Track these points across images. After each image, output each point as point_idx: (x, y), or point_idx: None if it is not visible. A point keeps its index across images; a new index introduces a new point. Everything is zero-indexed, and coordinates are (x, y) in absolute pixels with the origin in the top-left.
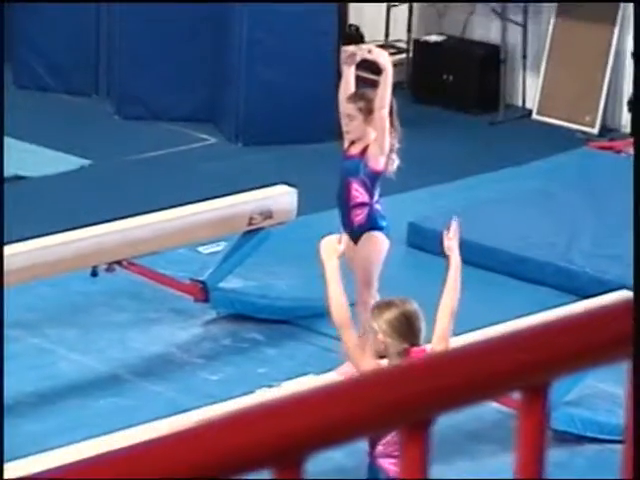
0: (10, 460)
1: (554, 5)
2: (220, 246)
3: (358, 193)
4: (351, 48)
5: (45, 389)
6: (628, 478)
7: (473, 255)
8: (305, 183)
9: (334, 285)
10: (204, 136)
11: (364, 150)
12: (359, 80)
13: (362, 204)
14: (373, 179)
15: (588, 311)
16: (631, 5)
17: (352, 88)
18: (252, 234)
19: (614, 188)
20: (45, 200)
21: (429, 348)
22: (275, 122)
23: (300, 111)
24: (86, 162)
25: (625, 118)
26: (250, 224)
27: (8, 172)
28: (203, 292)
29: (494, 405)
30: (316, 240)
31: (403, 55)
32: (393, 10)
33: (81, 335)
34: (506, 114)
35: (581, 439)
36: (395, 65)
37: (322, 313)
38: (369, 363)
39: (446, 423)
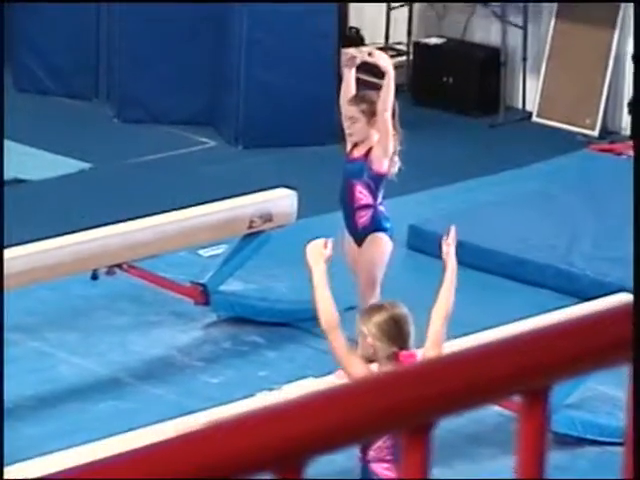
0: (10, 464)
1: (554, 7)
2: (220, 249)
3: (362, 195)
4: (351, 50)
5: (45, 393)
6: None
7: (473, 257)
8: (305, 186)
9: (321, 290)
10: (204, 139)
11: (368, 152)
12: (360, 83)
13: (366, 206)
14: (377, 181)
15: (588, 315)
16: (631, 8)
17: (353, 90)
18: (252, 237)
19: (614, 190)
20: (45, 203)
21: (420, 352)
22: (275, 125)
23: (300, 114)
24: (86, 165)
25: (625, 120)
26: (250, 227)
27: (8, 175)
28: (203, 295)
29: (494, 408)
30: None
31: (403, 58)
32: (393, 12)
33: (81, 338)
34: (506, 116)
35: (582, 442)
36: (395, 68)
37: None
38: (359, 367)
39: (446, 426)
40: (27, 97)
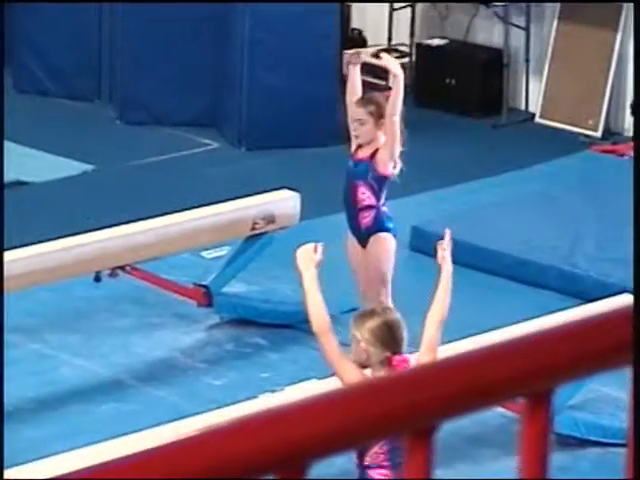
0: (11, 466)
1: (557, 9)
2: (223, 251)
3: (365, 196)
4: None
5: (46, 395)
6: None
7: (476, 258)
8: (308, 187)
9: (312, 294)
10: (207, 141)
11: (373, 154)
12: (363, 84)
13: (369, 207)
14: (380, 183)
15: (591, 317)
16: (632, 8)
17: (359, 88)
18: (255, 239)
19: (617, 191)
20: (47, 205)
21: (414, 357)
22: (278, 126)
23: (303, 115)
24: (88, 167)
25: (628, 121)
26: (253, 229)
27: (9, 177)
28: (206, 297)
29: (497, 409)
30: (320, 244)
31: (406, 59)
32: (396, 14)
33: (84, 340)
34: (509, 118)
35: (584, 443)
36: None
37: None
38: (352, 373)
39: (449, 427)
40: (28, 98)
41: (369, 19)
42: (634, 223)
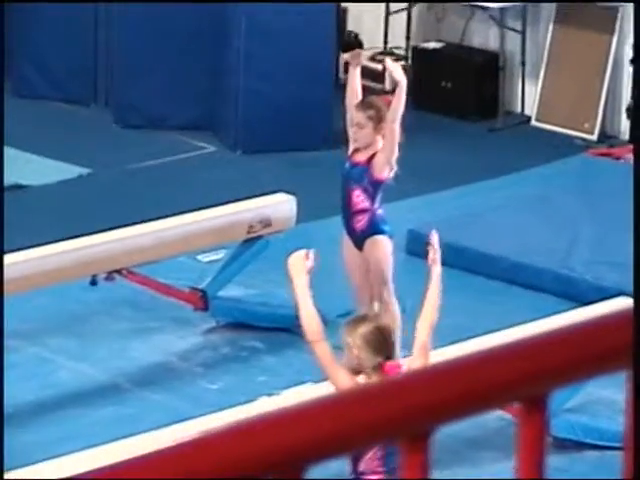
0: (10, 469)
1: (553, 12)
2: (219, 254)
3: (360, 199)
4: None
5: (45, 398)
6: None
7: (472, 262)
8: (304, 191)
9: (304, 302)
10: (203, 144)
11: (370, 158)
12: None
13: (363, 210)
14: (376, 187)
15: (587, 321)
16: (630, 13)
17: (359, 90)
18: (251, 242)
19: (613, 194)
20: (45, 209)
21: (405, 362)
22: (274, 130)
23: (299, 119)
24: (85, 171)
25: (624, 125)
26: (249, 232)
27: (8, 181)
28: (203, 301)
29: (495, 412)
30: (316, 248)
31: (401, 62)
32: (392, 17)
33: (81, 344)
34: (505, 121)
35: (581, 446)
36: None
37: (323, 321)
38: (345, 379)
39: (447, 429)
40: (26, 103)
41: (365, 23)
42: (634, 227)
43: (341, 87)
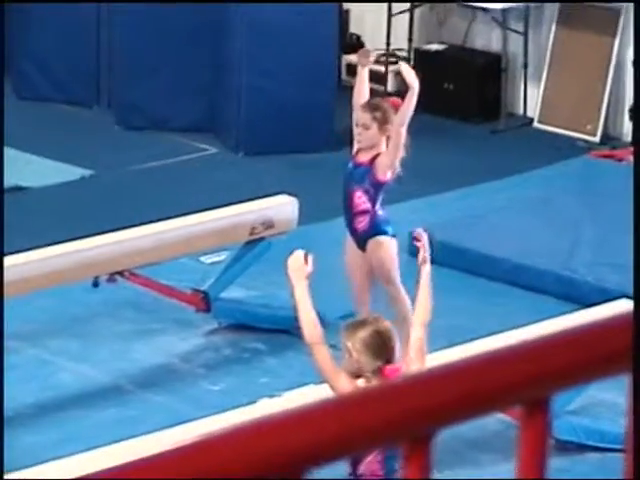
0: (10, 471)
1: (555, 14)
2: (222, 256)
3: (361, 201)
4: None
5: (46, 400)
6: None
7: (474, 263)
8: (306, 193)
9: (304, 306)
10: (205, 146)
11: (373, 159)
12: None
13: (364, 211)
14: (377, 188)
15: (589, 324)
16: (631, 14)
17: (366, 90)
18: (254, 244)
19: (616, 196)
20: (46, 210)
21: (404, 364)
22: (276, 132)
23: (301, 120)
24: (87, 172)
25: (626, 126)
26: (252, 234)
27: (9, 182)
28: (205, 302)
29: (496, 415)
30: (317, 250)
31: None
32: (394, 19)
33: (82, 346)
34: (507, 123)
35: (583, 448)
36: (396, 74)
37: (323, 323)
38: (344, 383)
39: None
40: (27, 105)
41: (367, 24)
42: (634, 229)
43: (343, 89)
